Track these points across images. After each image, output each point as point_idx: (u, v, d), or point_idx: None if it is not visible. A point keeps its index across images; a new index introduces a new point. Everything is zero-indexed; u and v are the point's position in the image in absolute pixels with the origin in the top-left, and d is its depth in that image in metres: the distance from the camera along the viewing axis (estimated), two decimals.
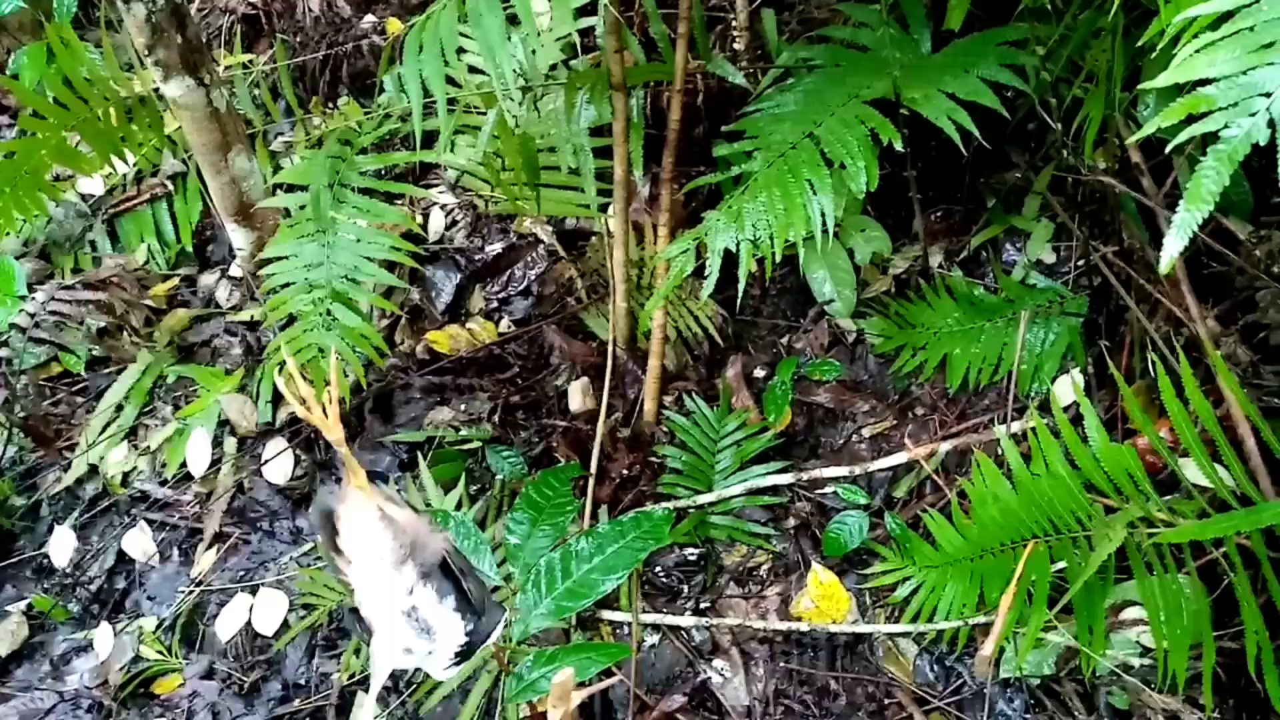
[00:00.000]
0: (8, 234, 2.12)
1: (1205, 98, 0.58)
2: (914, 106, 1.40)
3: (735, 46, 1.83)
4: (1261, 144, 0.57)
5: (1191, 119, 0.59)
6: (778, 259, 1.31)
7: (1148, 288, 1.51)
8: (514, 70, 1.80)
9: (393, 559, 0.96)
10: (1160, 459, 1.25)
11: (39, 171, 2.11)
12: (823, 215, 1.31)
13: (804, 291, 1.88)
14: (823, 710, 1.51)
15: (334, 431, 0.70)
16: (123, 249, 2.31)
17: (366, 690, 1.56)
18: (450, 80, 1.82)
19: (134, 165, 2.39)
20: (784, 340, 1.88)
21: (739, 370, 1.83)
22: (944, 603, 1.50)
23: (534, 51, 1.88)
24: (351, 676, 1.60)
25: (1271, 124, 0.57)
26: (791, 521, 1.69)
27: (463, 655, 1.03)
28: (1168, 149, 0.66)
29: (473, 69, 1.91)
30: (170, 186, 2.35)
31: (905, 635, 1.53)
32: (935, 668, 1.52)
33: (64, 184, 2.42)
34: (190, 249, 2.27)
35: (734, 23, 1.92)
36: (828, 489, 1.70)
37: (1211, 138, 0.58)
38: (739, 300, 1.49)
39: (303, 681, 1.63)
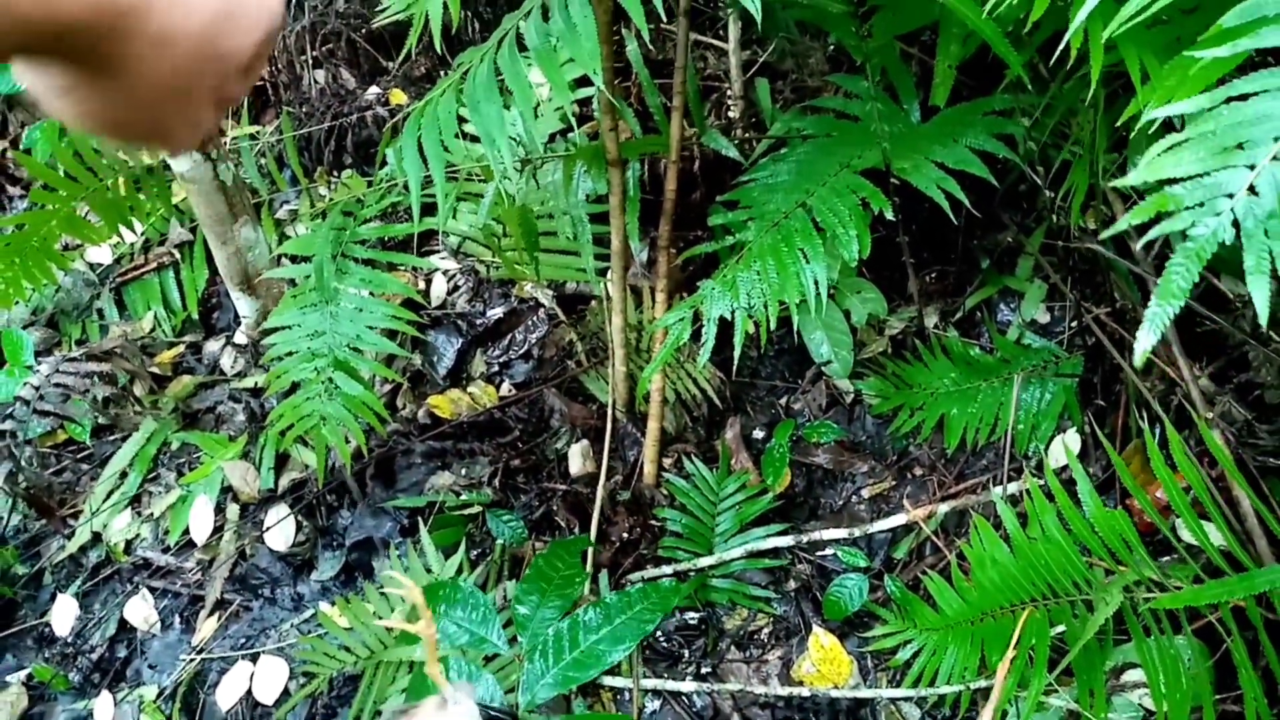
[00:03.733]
0: (16, 303, 2.16)
1: (1173, 197, 0.60)
2: (904, 176, 1.43)
3: (730, 115, 1.88)
4: (1227, 243, 0.59)
5: (1160, 216, 0.61)
6: (773, 325, 1.34)
7: None
8: (513, 141, 1.84)
9: None
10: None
11: (49, 242, 2.15)
12: (816, 283, 1.34)
13: (801, 353, 1.90)
14: None
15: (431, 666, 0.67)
16: (129, 316, 2.34)
17: None
18: (452, 148, 1.87)
19: (142, 234, 2.43)
20: (782, 401, 1.90)
21: (737, 432, 1.84)
22: (945, 666, 1.49)
23: (530, 126, 1.92)
24: None
25: (1236, 224, 0.59)
26: (792, 584, 1.69)
27: None
28: (1139, 244, 0.69)
29: (473, 138, 1.95)
30: (177, 255, 2.39)
31: (908, 699, 1.53)
32: None
33: (73, 253, 2.46)
34: (196, 316, 2.30)
35: (729, 92, 1.97)
36: (828, 551, 1.70)
37: (1179, 235, 0.61)
38: (736, 363, 1.51)
39: None
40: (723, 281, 1.37)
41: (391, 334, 1.92)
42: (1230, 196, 0.59)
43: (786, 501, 1.77)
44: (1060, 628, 1.31)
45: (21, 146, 2.59)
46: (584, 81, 1.98)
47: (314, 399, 1.68)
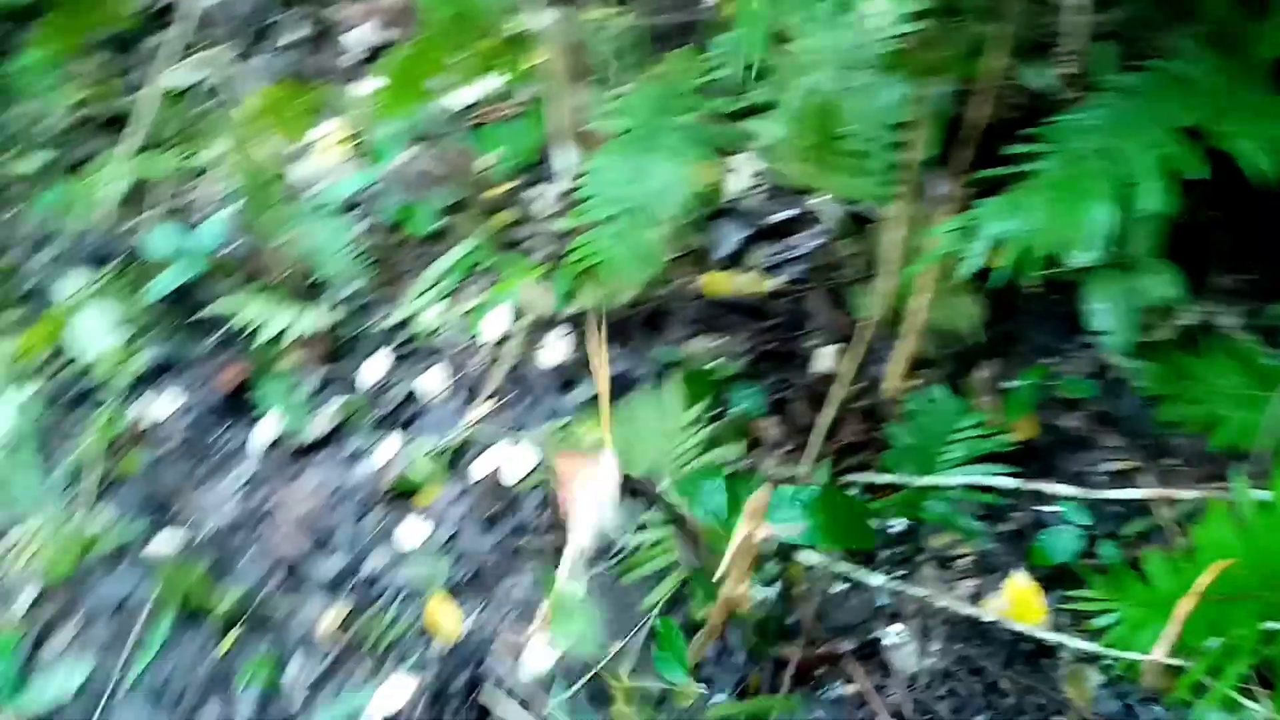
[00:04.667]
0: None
1: None
2: (1223, 145, 1.37)
3: (1054, 58, 1.85)
4: None
5: None
6: (1039, 262, 1.35)
7: None
8: (842, 44, 1.92)
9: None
10: None
11: (424, 75, 2.52)
12: (1100, 228, 1.34)
13: (1072, 320, 1.88)
14: (988, 703, 1.54)
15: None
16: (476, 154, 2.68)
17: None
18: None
19: (504, 84, 2.77)
20: (1044, 360, 1.89)
21: (988, 375, 1.86)
22: (1142, 642, 1.47)
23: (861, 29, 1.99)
24: None
25: None
26: (1006, 526, 1.71)
27: None
28: None
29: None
30: (525, 108, 2.70)
31: (1092, 662, 1.52)
32: (1116, 703, 1.51)
33: (440, 92, 2.84)
34: (528, 163, 2.60)
35: (1061, 36, 1.93)
36: (1053, 508, 1.71)
37: None
38: (1001, 305, 1.54)
39: (532, 525, 1.88)
40: (1006, 202, 1.41)
41: (685, 211, 2.11)
42: None
43: (1024, 452, 1.77)
44: (1274, 624, 1.26)
45: None
46: None
47: (606, 240, 1.88)
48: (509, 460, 1.97)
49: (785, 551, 1.71)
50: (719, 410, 1.93)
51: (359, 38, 2.97)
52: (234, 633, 1.85)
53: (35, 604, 1.96)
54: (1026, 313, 1.96)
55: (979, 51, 1.77)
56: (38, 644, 1.91)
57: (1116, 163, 1.39)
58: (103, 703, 1.79)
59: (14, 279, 2.58)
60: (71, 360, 2.33)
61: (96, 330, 2.27)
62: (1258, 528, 1.29)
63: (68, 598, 1.96)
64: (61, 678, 1.83)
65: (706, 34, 2.59)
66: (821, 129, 1.96)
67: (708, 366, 2.00)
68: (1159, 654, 1.21)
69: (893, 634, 1.63)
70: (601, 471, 1.22)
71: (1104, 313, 1.88)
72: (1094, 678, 1.52)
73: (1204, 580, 1.20)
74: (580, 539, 1.25)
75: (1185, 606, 1.17)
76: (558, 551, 1.81)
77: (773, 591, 1.72)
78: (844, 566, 1.68)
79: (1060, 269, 1.72)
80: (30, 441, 2.15)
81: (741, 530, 1.18)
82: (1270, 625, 1.26)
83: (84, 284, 2.43)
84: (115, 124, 2.94)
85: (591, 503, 1.26)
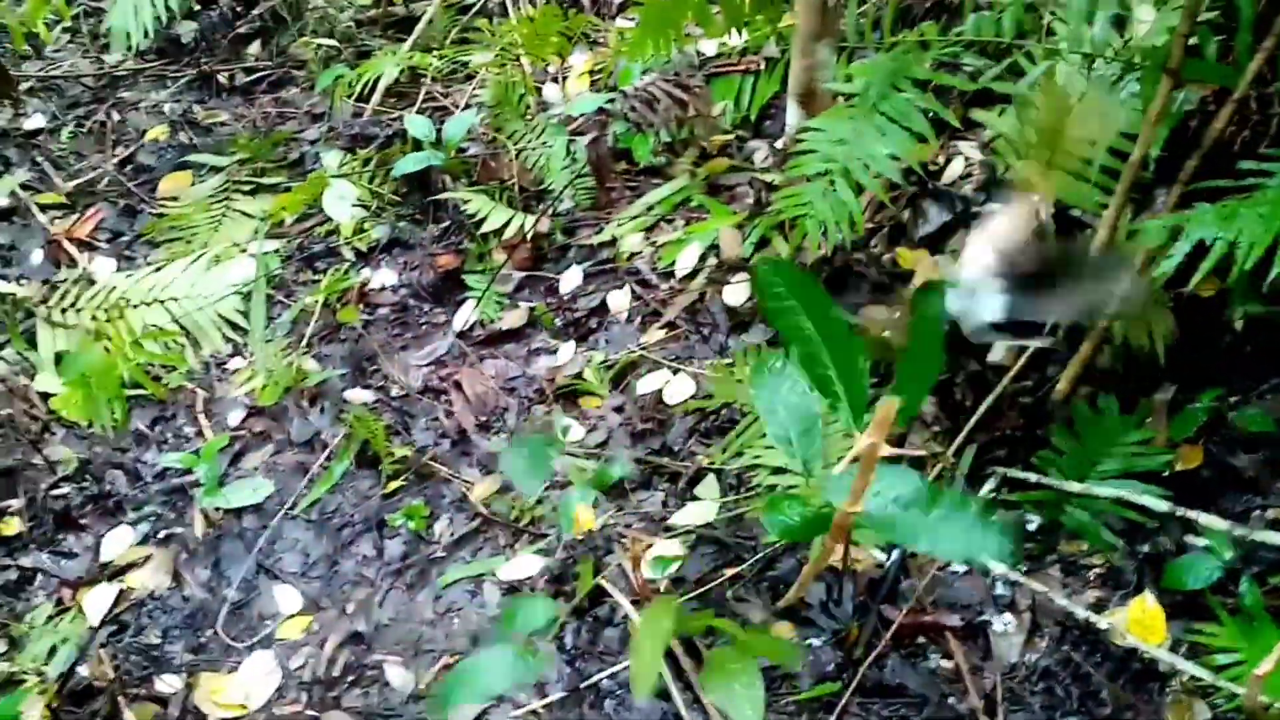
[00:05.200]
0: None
1: None
2: None
3: None
4: None
5: None
6: (1247, 269, 1.32)
7: None
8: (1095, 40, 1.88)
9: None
10: None
11: (677, 24, 2.65)
12: None
13: (1277, 362, 1.78)
14: (1083, 709, 1.53)
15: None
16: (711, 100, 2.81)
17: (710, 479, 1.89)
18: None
19: (744, 41, 2.87)
20: (1232, 396, 1.80)
21: (1167, 397, 1.80)
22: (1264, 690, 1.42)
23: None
24: (711, 463, 1.94)
25: None
26: (1145, 548, 1.67)
27: None
28: None
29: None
30: (762, 65, 2.79)
31: (1203, 696, 1.48)
32: None
33: (690, 39, 2.98)
34: (753, 118, 2.69)
35: None
36: (1200, 540, 1.65)
37: None
38: (1204, 332, 1.47)
39: (677, 447, 2.00)
40: (1221, 210, 1.37)
41: (894, 186, 2.14)
42: None
43: (1185, 479, 1.71)
44: None
45: None
46: None
47: (811, 196, 1.95)
48: (670, 385, 2.09)
49: None
50: (878, 379, 1.97)
51: None
52: (398, 482, 2.08)
53: (243, 423, 2.27)
54: (1229, 345, 1.87)
55: (1236, 64, 1.70)
56: (237, 457, 2.20)
57: None
58: (275, 521, 2.04)
59: (288, 145, 2.94)
60: (319, 224, 2.66)
61: (345, 201, 2.57)
62: None
63: (270, 424, 2.26)
64: (249, 490, 2.09)
65: (961, 14, 2.60)
66: (1052, 125, 1.94)
67: (881, 337, 2.04)
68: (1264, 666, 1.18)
69: (1002, 622, 1.64)
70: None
71: None
72: (1201, 711, 1.47)
73: None
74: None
75: None
76: (692, 480, 1.92)
77: (892, 556, 1.76)
78: None
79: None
80: (265, 287, 2.46)
81: (864, 440, 1.24)
82: None
83: (342, 160, 2.75)
84: (401, 26, 3.28)
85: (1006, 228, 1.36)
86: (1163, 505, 1.65)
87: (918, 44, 2.07)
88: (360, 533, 2.02)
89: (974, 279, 1.44)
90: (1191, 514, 1.63)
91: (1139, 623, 1.57)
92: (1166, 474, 1.70)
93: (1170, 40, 1.55)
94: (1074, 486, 1.73)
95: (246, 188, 2.80)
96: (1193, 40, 1.57)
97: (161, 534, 2.04)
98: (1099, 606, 1.63)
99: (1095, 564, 1.68)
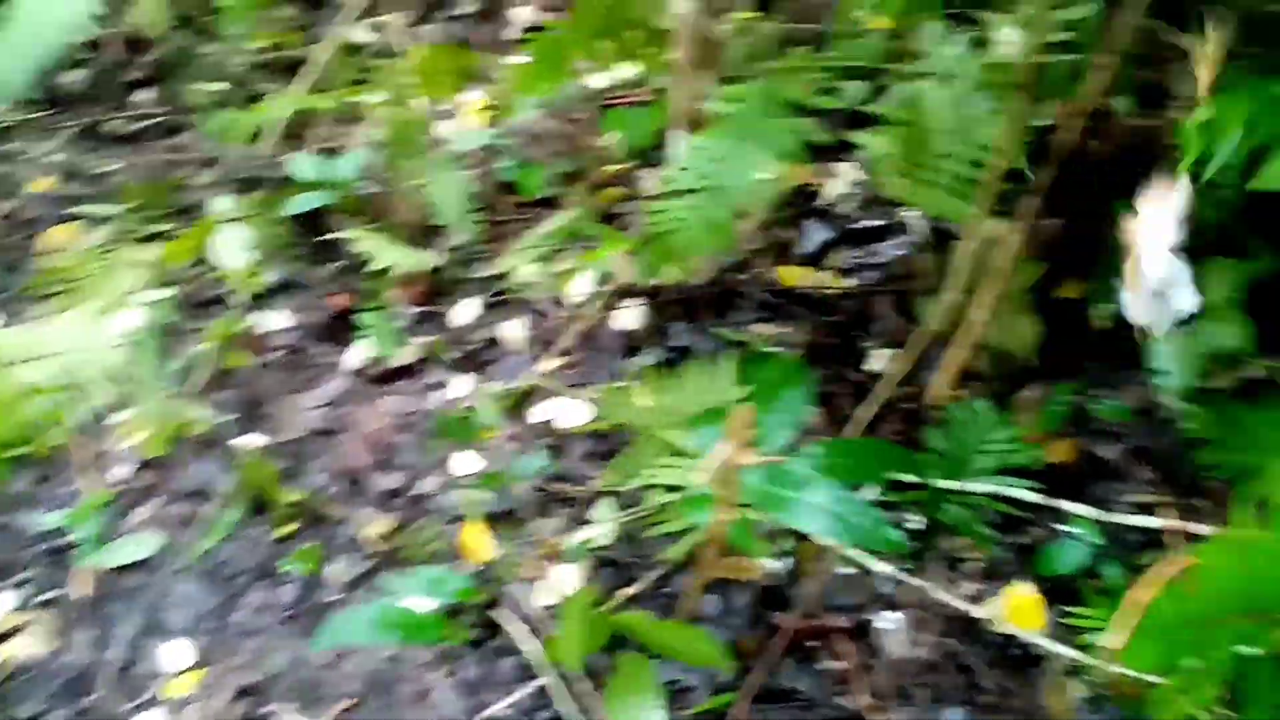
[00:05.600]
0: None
1: None
2: None
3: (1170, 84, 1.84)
4: None
5: None
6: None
7: None
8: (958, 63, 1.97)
9: None
10: None
11: (567, 60, 2.70)
12: None
13: (1129, 357, 1.87)
14: (966, 699, 1.58)
15: None
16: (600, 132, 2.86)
17: (608, 499, 1.90)
18: None
19: (637, 73, 2.94)
20: (1094, 390, 1.89)
21: (1036, 395, 1.88)
22: (1135, 661, 1.48)
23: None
24: (606, 487, 1.96)
25: None
26: (1019, 539, 1.73)
27: None
28: None
29: None
30: (652, 97, 2.86)
31: (1077, 675, 1.53)
32: (1095, 718, 1.51)
33: (578, 74, 3.04)
34: (644, 148, 2.75)
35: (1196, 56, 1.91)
36: (1071, 528, 1.71)
37: None
38: (1067, 334, 1.56)
39: (573, 473, 2.02)
40: None
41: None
42: None
43: (1055, 473, 1.79)
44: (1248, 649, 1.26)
45: None
46: None
47: (682, 210, 1.99)
48: (565, 411, 2.11)
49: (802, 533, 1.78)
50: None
51: (523, 16, 3.21)
52: (291, 527, 2.04)
53: (132, 476, 2.21)
54: (1091, 344, 1.96)
55: (1080, 79, 1.80)
56: (124, 512, 2.13)
57: None
58: (162, 575, 1.99)
59: (179, 192, 2.91)
60: (209, 270, 2.63)
61: (235, 245, 2.54)
62: (1253, 556, 1.29)
63: (159, 475, 2.20)
64: (134, 546, 2.02)
65: (834, 43, 2.70)
66: (920, 142, 2.02)
67: (768, 351, 2.09)
68: (1115, 640, 1.23)
69: (887, 619, 1.68)
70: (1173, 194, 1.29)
71: (1167, 354, 1.87)
72: (1078, 691, 1.53)
73: (1165, 572, 1.22)
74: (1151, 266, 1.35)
75: (1141, 595, 1.20)
76: (588, 503, 1.94)
77: (783, 565, 1.80)
78: (853, 551, 1.74)
79: None
80: (155, 336, 2.41)
81: (722, 449, 1.27)
82: (1244, 650, 1.26)
83: (233, 204, 2.72)
84: (292, 69, 3.26)
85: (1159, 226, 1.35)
86: (1031, 496, 1.72)
87: (791, 69, 2.16)
88: (252, 581, 1.98)
89: (1162, 278, 1.39)
90: (1059, 503, 1.70)
91: (1016, 611, 1.63)
92: (1039, 468, 1.77)
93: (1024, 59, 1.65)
94: (949, 484, 1.79)
95: (137, 236, 2.76)
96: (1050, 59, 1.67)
97: (42, 598, 1.97)
98: (978, 598, 1.68)
99: (974, 558, 1.73)
